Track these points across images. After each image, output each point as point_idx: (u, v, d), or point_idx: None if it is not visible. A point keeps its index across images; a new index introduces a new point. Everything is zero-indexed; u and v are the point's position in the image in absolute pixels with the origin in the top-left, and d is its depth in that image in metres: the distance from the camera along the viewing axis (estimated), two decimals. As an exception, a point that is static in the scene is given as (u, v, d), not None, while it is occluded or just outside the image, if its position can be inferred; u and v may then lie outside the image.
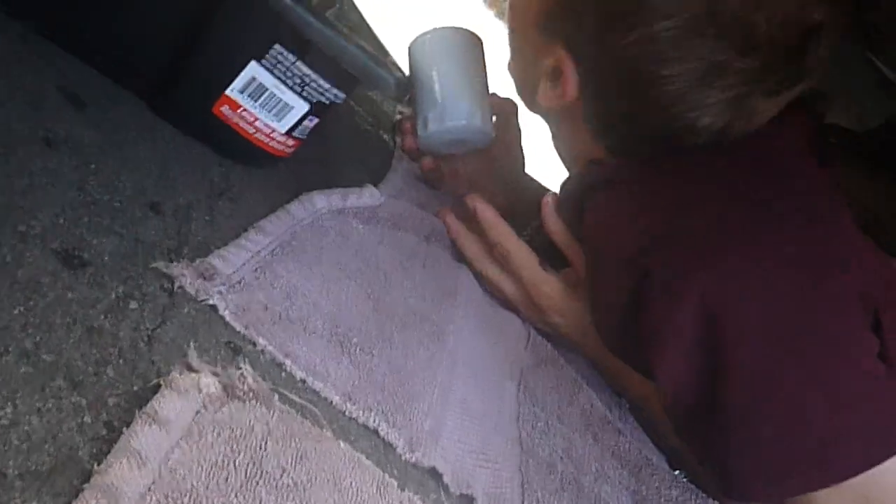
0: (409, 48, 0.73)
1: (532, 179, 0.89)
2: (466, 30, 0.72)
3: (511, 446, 0.57)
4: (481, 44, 0.72)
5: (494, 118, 0.77)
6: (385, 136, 0.93)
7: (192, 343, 0.41)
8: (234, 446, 0.37)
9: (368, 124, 0.93)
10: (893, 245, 0.66)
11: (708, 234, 0.55)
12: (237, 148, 0.59)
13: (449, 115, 0.73)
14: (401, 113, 0.99)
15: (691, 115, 0.60)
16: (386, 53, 0.73)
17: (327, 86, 0.58)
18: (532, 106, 0.73)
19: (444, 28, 0.71)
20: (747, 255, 0.53)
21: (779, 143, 0.61)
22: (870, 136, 0.77)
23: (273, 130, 0.59)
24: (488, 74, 0.74)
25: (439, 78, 0.72)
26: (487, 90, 0.75)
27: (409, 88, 0.65)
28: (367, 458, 0.44)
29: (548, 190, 0.89)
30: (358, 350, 0.51)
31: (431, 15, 0.80)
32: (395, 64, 0.61)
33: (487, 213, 0.72)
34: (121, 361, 0.37)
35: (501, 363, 0.65)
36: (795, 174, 0.60)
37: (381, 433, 0.47)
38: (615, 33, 0.60)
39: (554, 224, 0.70)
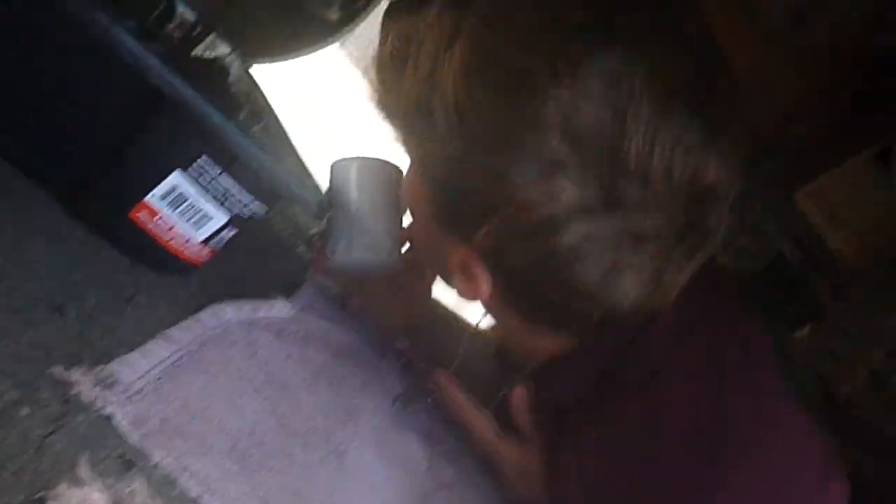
0: (331, 170, 0.75)
1: (439, 304, 0.91)
2: (387, 161, 0.74)
3: (408, 575, 0.55)
4: (401, 175, 0.75)
5: (406, 245, 0.79)
6: (301, 249, 0.94)
7: (83, 455, 0.39)
8: (118, 569, 0.35)
9: (286, 235, 0.94)
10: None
11: None
12: (150, 254, 0.58)
13: (356, 247, 0.74)
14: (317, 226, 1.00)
15: (611, 301, 0.57)
16: (308, 173, 0.75)
17: (249, 200, 0.59)
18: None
19: (364, 158, 0.73)
20: None
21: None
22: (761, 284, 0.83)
23: (189, 239, 0.59)
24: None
25: (353, 209, 0.73)
26: (400, 222, 0.77)
27: (329, 209, 0.67)
28: (259, 584, 0.42)
29: (455, 315, 0.91)
30: (257, 468, 0.50)
31: (359, 137, 0.83)
32: (316, 186, 0.62)
33: (443, 389, 0.74)
34: (4, 472, 0.35)
35: (400, 487, 0.64)
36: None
37: (275, 557, 0.45)
38: (513, 245, 0.57)
39: (523, 420, 0.71)
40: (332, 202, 0.73)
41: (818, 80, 0.69)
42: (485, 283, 0.61)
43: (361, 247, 0.74)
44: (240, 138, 0.56)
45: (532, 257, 0.56)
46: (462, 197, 0.58)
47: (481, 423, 0.72)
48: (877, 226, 0.66)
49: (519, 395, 0.70)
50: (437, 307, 0.89)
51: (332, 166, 0.74)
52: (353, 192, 0.73)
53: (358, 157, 0.73)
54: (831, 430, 0.81)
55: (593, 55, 0.51)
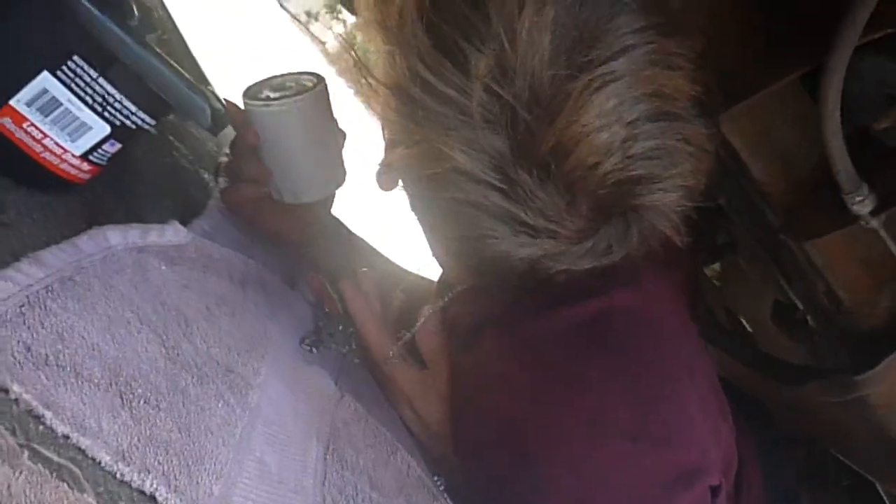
0: (258, 110, 0.66)
1: (342, 224, 0.87)
2: (315, 88, 0.67)
3: (313, 512, 0.52)
4: (326, 89, 0.68)
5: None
6: (205, 176, 0.87)
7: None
8: (-40, 515, 0.30)
9: (187, 161, 0.87)
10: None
11: (575, 423, 0.58)
12: (19, 167, 0.52)
13: (304, 189, 0.70)
14: (227, 155, 0.94)
15: (493, 253, 0.54)
16: (206, 82, 0.68)
17: (133, 108, 0.53)
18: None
19: (295, 100, 0.65)
20: (606, 448, 0.57)
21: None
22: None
23: (65, 152, 0.52)
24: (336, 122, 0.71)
25: (294, 153, 0.67)
26: (340, 137, 0.71)
27: (227, 121, 0.61)
28: (138, 527, 0.38)
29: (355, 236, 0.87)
30: (142, 403, 0.45)
31: (265, 58, 0.76)
32: (214, 94, 0.56)
33: (351, 298, 0.71)
34: None
35: (308, 421, 0.60)
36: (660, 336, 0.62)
37: (160, 499, 0.41)
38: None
39: (429, 342, 0.69)
40: (262, 145, 0.67)
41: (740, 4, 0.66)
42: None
43: (310, 188, 0.70)
44: (120, 37, 0.50)
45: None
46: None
47: (379, 339, 0.70)
48: (797, 154, 0.65)
49: (429, 319, 0.69)
50: (339, 226, 0.86)
51: (255, 107, 0.65)
52: (290, 136, 0.66)
53: (281, 98, 0.65)
54: (742, 361, 0.82)
55: None
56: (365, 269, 0.76)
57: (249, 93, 0.66)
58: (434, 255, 0.67)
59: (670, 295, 0.66)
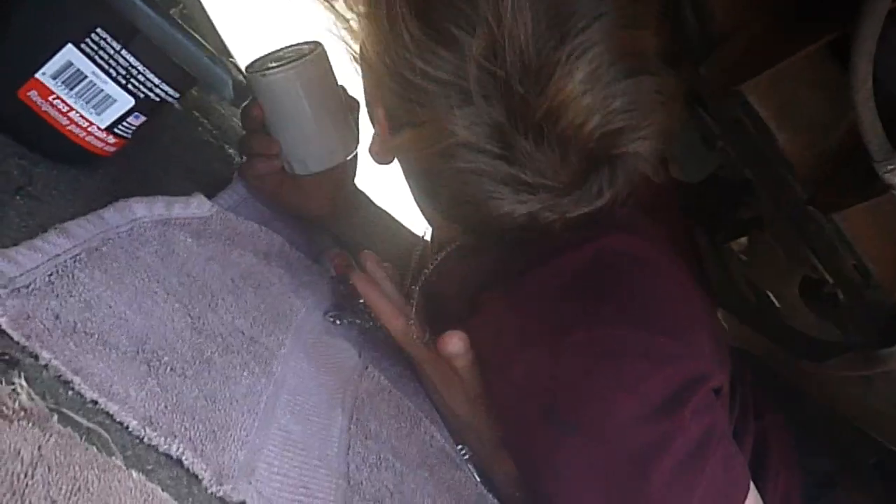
0: (258, 80, 0.66)
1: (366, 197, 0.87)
2: (312, 54, 0.67)
3: (336, 481, 0.53)
4: (325, 54, 0.68)
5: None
6: (230, 151, 0.88)
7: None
8: (-8, 474, 0.31)
9: (212, 136, 0.88)
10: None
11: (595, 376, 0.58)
12: (45, 140, 0.52)
13: (314, 158, 0.70)
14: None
15: (497, 214, 0.58)
16: (228, 55, 0.68)
17: (157, 81, 0.53)
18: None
19: (291, 66, 0.65)
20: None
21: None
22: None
23: (91, 125, 0.53)
24: (340, 87, 0.71)
25: (299, 122, 0.67)
26: (345, 107, 0.72)
27: (247, 93, 0.61)
28: (165, 490, 0.38)
29: (382, 210, 0.87)
30: (168, 371, 0.46)
31: (281, 29, 0.75)
32: (236, 66, 0.56)
33: (362, 286, 0.70)
34: None
35: (331, 393, 0.61)
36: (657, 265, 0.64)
37: (186, 463, 0.42)
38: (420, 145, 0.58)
39: (454, 350, 0.66)
40: (268, 116, 0.67)
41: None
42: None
43: (318, 157, 0.70)
44: (142, 10, 0.50)
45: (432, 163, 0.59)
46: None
47: (396, 324, 0.69)
48: (825, 123, 0.63)
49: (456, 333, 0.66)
50: (364, 199, 0.86)
51: (256, 77, 0.66)
52: (291, 104, 0.66)
53: (280, 66, 0.65)
54: (768, 336, 0.81)
55: None
56: (368, 251, 0.75)
57: (253, 67, 0.67)
58: (426, 217, 0.71)
59: (664, 237, 0.68)
